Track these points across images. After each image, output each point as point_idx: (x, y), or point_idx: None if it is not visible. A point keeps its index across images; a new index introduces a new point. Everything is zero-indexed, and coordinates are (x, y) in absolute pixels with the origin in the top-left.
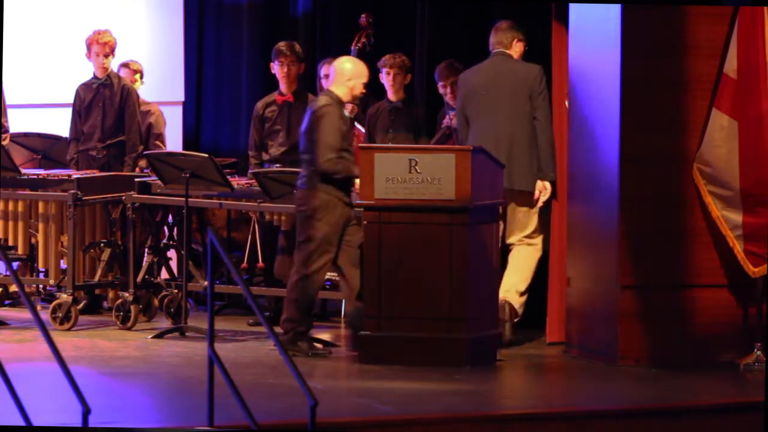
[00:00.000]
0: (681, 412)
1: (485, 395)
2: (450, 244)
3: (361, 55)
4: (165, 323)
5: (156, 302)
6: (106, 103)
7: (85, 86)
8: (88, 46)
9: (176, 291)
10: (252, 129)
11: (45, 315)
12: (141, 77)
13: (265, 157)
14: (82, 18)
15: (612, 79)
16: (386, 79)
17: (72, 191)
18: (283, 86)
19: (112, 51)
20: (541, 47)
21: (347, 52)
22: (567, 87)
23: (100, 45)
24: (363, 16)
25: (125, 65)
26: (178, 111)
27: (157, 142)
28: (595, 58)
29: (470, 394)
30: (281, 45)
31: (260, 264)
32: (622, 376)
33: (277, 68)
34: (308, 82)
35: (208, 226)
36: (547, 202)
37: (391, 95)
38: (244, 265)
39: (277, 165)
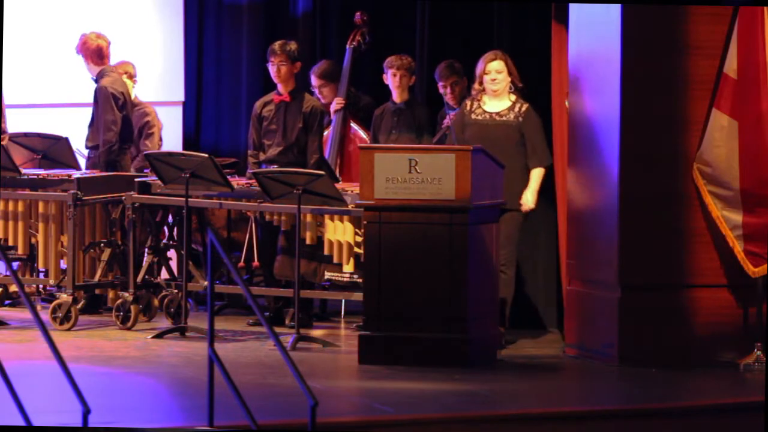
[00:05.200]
0: (681, 412)
1: (485, 395)
2: (450, 244)
3: (356, 54)
4: (165, 323)
5: (156, 302)
6: (94, 105)
7: None
8: None
9: (176, 291)
10: (251, 128)
11: (45, 315)
12: (131, 78)
13: (261, 157)
14: (83, 18)
15: (612, 78)
16: (392, 80)
17: (72, 191)
18: (278, 86)
19: (94, 55)
20: (539, 47)
21: (345, 52)
22: (567, 87)
23: (80, 53)
24: (358, 14)
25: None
26: (178, 111)
27: (146, 142)
28: (595, 57)
29: (470, 394)
30: (274, 44)
31: (256, 263)
32: (622, 376)
33: (269, 68)
34: (307, 81)
35: (208, 226)
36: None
37: (395, 96)
38: (241, 263)
39: (274, 165)
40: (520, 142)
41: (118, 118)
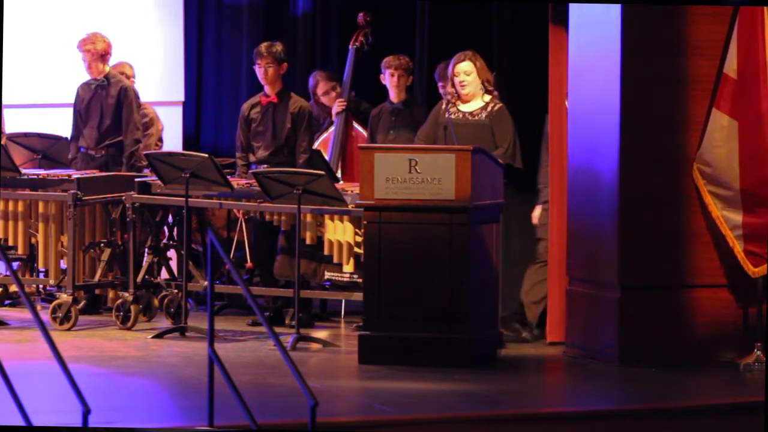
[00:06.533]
0: (681, 412)
1: (485, 395)
2: (450, 244)
3: (359, 54)
4: (165, 323)
5: (156, 302)
6: (103, 104)
7: (85, 86)
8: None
9: (176, 291)
10: (238, 130)
11: (45, 315)
12: (128, 78)
13: (252, 158)
14: (82, 18)
15: (612, 79)
16: (389, 80)
17: (72, 191)
18: (265, 87)
19: (101, 56)
20: (538, 47)
21: (347, 52)
22: (567, 87)
23: (84, 53)
24: (361, 14)
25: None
26: (178, 111)
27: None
28: (595, 58)
29: (470, 394)
30: (260, 46)
31: (249, 264)
32: (622, 376)
33: (256, 70)
34: (298, 82)
35: (208, 226)
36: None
37: (393, 96)
38: (249, 264)
39: (264, 166)
40: (492, 141)
41: (141, 117)
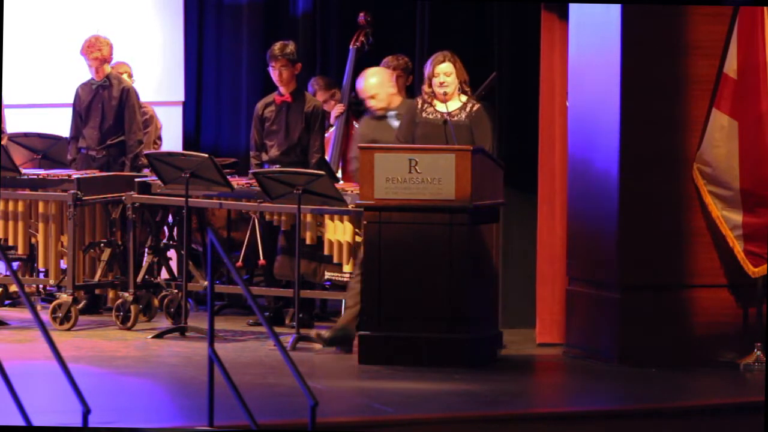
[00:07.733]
0: (681, 412)
1: (485, 395)
2: (450, 244)
3: (359, 54)
4: (165, 323)
5: (156, 302)
6: (105, 105)
7: (85, 86)
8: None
9: (176, 291)
10: (252, 129)
11: (45, 315)
12: (129, 77)
13: (264, 158)
14: (82, 18)
15: (612, 79)
16: None
17: (72, 191)
18: (279, 87)
19: (105, 59)
20: (536, 48)
21: (347, 52)
22: (567, 87)
23: (91, 60)
24: (362, 14)
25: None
26: (178, 111)
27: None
28: (595, 58)
29: (470, 394)
30: (274, 48)
31: (262, 261)
32: (622, 376)
33: (270, 72)
34: (299, 83)
35: (208, 226)
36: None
37: None
38: (239, 263)
39: (277, 166)
40: (472, 142)
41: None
